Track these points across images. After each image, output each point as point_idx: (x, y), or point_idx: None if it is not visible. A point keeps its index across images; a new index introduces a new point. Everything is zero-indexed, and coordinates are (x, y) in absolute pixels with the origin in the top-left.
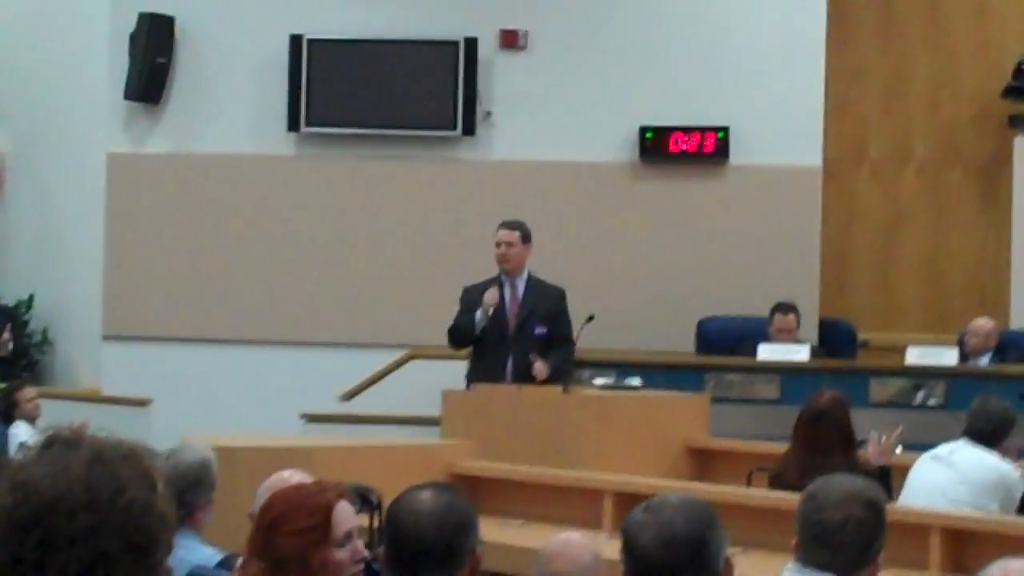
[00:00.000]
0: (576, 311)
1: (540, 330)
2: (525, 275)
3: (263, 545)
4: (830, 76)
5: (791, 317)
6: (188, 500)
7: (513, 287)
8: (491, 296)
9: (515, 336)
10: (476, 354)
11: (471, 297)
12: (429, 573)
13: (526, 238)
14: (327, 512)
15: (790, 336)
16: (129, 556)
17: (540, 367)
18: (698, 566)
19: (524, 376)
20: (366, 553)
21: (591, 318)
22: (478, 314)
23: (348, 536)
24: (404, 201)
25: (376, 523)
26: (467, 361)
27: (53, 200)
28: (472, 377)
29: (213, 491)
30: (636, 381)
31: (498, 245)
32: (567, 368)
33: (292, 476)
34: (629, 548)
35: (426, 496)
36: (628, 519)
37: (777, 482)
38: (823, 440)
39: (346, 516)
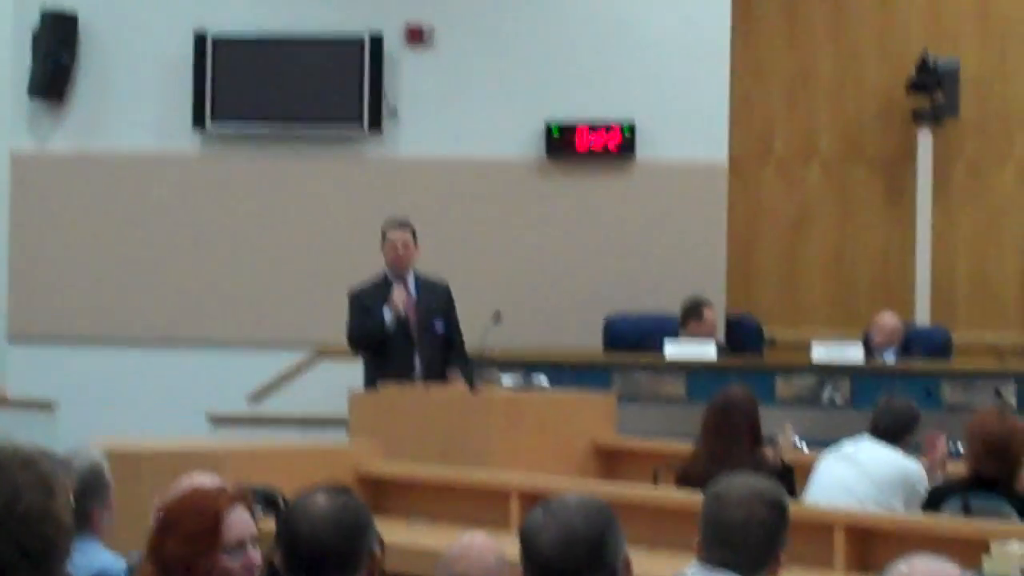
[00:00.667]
0: (482, 309)
1: (439, 325)
2: (412, 273)
3: (155, 548)
4: (735, 71)
5: (712, 310)
6: (83, 506)
7: (405, 285)
8: (400, 295)
9: (419, 335)
10: (377, 356)
11: (363, 300)
12: None
13: (415, 236)
14: (216, 518)
15: (713, 329)
16: (26, 563)
17: (458, 383)
18: (597, 566)
19: (434, 375)
20: (259, 561)
21: (498, 315)
22: (387, 314)
23: (240, 543)
24: (311, 199)
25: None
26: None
27: None
28: (375, 379)
29: (108, 494)
30: (543, 380)
31: (392, 246)
32: (472, 370)
33: (202, 480)
34: (528, 550)
35: (320, 499)
36: (526, 521)
37: (685, 476)
38: (732, 430)
39: (239, 523)
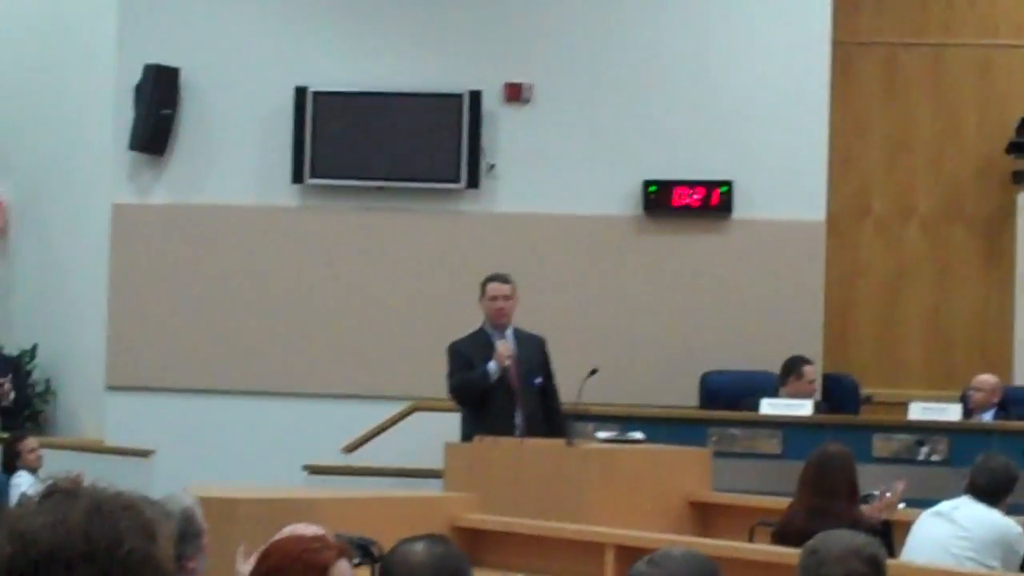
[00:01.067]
0: (579, 364)
1: (538, 380)
2: (511, 326)
3: None
4: (834, 131)
5: (813, 367)
6: (176, 551)
7: (503, 339)
8: (506, 348)
9: (522, 389)
10: (478, 409)
11: (466, 352)
12: None
13: (514, 290)
14: (323, 571)
15: (813, 388)
16: None
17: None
18: None
19: (533, 429)
20: None
21: (594, 371)
22: (491, 367)
23: None
24: (408, 253)
25: None
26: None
27: (57, 250)
28: (474, 432)
29: (200, 539)
30: (639, 435)
31: (494, 299)
32: (568, 424)
33: (304, 531)
34: None
35: (420, 548)
36: (631, 572)
37: (782, 532)
38: (830, 485)
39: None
